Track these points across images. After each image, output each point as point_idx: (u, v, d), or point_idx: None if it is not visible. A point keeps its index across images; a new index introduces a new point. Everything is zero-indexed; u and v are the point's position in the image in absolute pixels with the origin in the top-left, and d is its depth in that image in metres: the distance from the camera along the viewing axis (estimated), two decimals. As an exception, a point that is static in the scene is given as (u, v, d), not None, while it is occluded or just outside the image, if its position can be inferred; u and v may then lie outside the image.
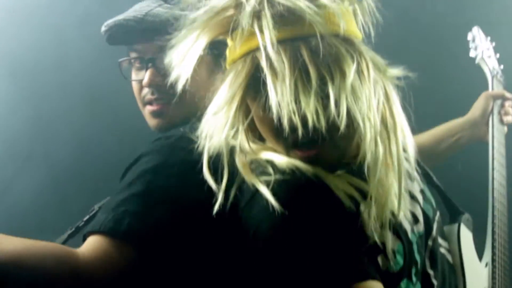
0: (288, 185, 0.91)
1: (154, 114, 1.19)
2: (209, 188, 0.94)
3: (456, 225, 1.21)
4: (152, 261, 0.96)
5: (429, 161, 1.36)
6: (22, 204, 1.99)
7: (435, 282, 1.03)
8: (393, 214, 0.94)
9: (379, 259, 0.91)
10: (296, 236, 0.87)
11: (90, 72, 2.06)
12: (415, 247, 0.99)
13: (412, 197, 1.06)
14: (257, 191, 0.92)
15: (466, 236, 1.21)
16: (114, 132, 1.98)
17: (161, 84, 1.14)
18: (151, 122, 1.21)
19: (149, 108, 1.20)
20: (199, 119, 1.04)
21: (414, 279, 0.97)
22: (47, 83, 2.11)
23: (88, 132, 2.07)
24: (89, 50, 2.01)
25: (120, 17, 1.20)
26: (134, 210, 0.95)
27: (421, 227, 1.04)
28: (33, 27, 2.11)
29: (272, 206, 0.87)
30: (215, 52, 1.07)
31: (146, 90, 1.19)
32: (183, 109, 1.14)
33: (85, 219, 1.22)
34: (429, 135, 1.57)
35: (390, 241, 0.92)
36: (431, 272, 1.04)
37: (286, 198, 0.88)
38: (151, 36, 1.15)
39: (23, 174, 2.06)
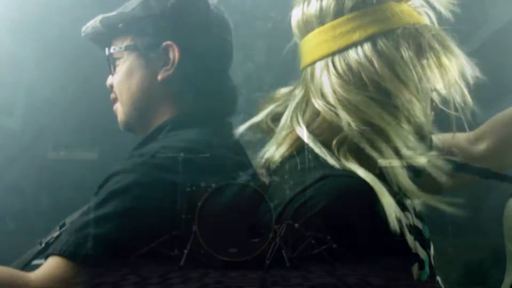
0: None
1: (115, 111, 1.21)
2: (180, 208, 0.90)
3: None
4: None
5: None
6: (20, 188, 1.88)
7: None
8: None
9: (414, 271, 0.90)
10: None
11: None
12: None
13: None
14: None
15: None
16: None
17: (113, 86, 1.20)
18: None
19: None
20: (168, 130, 1.06)
21: None
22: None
23: (87, 130, 1.95)
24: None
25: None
26: (97, 233, 0.90)
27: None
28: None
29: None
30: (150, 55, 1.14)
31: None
32: (133, 113, 1.17)
33: (55, 235, 1.14)
34: None
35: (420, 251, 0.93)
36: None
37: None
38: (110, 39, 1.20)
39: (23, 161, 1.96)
